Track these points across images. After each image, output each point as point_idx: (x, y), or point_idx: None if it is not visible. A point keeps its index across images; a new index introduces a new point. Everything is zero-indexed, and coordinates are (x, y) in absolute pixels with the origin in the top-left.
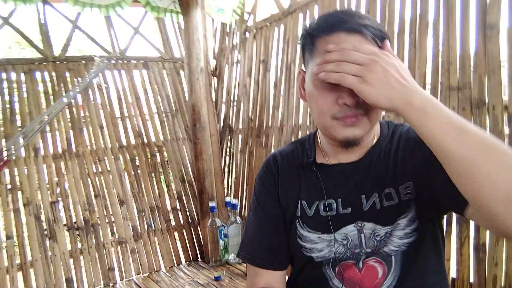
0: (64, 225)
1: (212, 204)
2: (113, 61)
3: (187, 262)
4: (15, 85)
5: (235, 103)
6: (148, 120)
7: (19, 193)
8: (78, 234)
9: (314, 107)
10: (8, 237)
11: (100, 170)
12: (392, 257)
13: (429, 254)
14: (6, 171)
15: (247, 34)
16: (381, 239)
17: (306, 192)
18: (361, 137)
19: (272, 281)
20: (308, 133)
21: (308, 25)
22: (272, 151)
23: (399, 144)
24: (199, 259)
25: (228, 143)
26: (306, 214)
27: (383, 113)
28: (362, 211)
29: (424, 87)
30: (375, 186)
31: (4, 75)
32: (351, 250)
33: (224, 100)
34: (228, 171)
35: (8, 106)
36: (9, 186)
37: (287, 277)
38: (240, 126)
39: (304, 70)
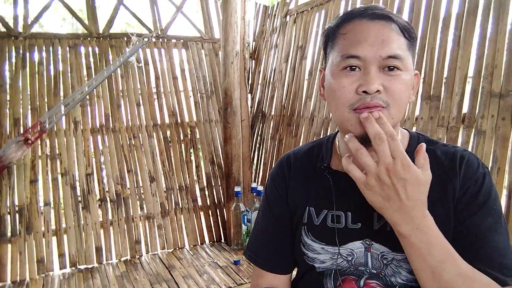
0: (98, 197)
1: (237, 189)
2: (153, 39)
3: (211, 242)
4: (60, 57)
5: (270, 89)
6: (182, 98)
7: (58, 163)
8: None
9: (332, 99)
10: (46, 204)
11: (134, 146)
12: (397, 287)
13: None
14: (47, 141)
15: (287, 17)
16: (388, 263)
17: (315, 199)
18: None
19: (276, 283)
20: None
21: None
22: (301, 141)
23: (446, 170)
24: (222, 241)
25: (260, 129)
26: (312, 222)
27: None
28: (372, 229)
29: (464, 90)
30: None
31: (51, 49)
32: (355, 266)
33: (259, 84)
34: (258, 157)
35: (52, 79)
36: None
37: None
38: (273, 113)
39: (324, 68)
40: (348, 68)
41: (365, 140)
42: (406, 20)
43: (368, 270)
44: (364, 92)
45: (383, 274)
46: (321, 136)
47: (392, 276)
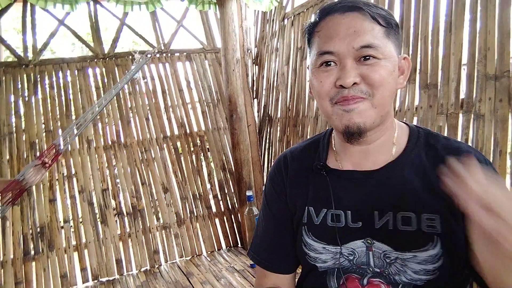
0: (114, 211)
1: (249, 193)
2: (157, 55)
3: (228, 247)
4: (69, 80)
5: (274, 92)
6: (190, 108)
7: (75, 181)
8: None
9: (315, 95)
10: (66, 221)
11: (146, 159)
12: (400, 285)
13: None
14: (63, 161)
15: (285, 21)
16: (392, 262)
17: (314, 198)
18: (363, 126)
19: (279, 282)
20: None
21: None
22: None
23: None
24: (239, 245)
25: (268, 132)
26: (312, 221)
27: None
28: (374, 228)
29: (459, 75)
30: (392, 204)
31: (60, 74)
32: (357, 265)
33: (264, 88)
34: (268, 161)
35: (64, 102)
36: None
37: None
38: (279, 115)
39: None
40: (324, 64)
41: (349, 133)
42: (382, 7)
43: (371, 269)
44: (342, 86)
45: (386, 272)
46: None
47: (396, 274)
